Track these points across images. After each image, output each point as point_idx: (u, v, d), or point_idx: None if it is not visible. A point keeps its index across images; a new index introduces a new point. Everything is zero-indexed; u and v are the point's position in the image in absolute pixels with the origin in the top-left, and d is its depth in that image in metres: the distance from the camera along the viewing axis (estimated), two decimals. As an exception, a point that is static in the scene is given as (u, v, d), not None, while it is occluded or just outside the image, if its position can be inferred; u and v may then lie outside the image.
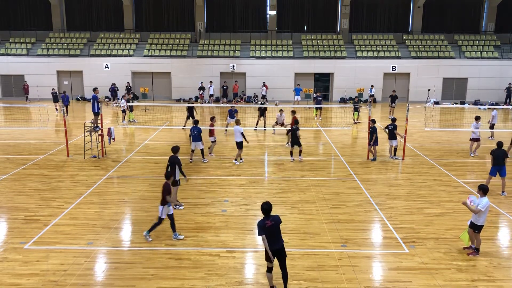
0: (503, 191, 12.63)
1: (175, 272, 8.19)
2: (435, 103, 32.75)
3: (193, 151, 15.80)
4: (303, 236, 9.73)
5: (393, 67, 35.07)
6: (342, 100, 34.63)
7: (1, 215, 10.89)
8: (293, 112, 18.44)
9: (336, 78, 35.28)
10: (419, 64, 35.13)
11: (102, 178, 13.90)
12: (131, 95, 30.46)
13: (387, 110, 28.89)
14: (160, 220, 9.40)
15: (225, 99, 33.10)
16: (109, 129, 17.13)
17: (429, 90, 33.96)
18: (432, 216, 10.98)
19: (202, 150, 15.75)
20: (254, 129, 22.01)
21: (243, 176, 14.19)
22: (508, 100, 33.44)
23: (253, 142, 19.26)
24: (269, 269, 7.46)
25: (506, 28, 37.86)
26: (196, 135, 15.43)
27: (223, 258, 8.70)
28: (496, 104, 33.05)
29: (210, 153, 16.70)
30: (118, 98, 31.13)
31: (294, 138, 15.90)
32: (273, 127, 21.28)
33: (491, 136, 20.43)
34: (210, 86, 32.50)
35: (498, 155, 12.60)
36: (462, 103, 33.92)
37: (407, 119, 16.63)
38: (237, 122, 16.11)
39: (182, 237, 9.52)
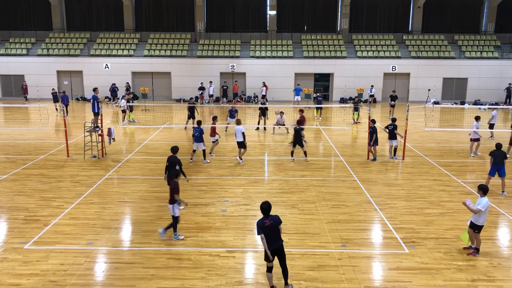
0: (503, 191, 12.63)
1: (175, 272, 8.19)
2: (435, 103, 32.76)
3: (194, 151, 15.82)
4: (303, 236, 9.73)
5: (393, 67, 35.08)
6: (342, 100, 34.64)
7: (1, 215, 10.89)
8: (301, 111, 18.89)
9: (336, 78, 35.28)
10: (419, 64, 35.13)
11: (102, 178, 13.90)
12: (131, 95, 30.45)
13: (387, 110, 28.90)
14: (176, 219, 9.45)
15: (225, 99, 33.10)
16: (109, 129, 17.13)
17: (429, 90, 33.97)
18: (432, 216, 10.98)
19: (204, 150, 15.78)
20: (256, 129, 22.11)
21: (243, 176, 14.19)
22: (508, 100, 33.44)
23: (253, 142, 19.26)
24: (269, 269, 7.47)
25: (506, 28, 37.86)
26: (198, 136, 15.45)
27: (223, 258, 8.70)
28: (496, 104, 33.05)
29: (210, 153, 16.70)
30: (118, 98, 31.14)
31: (297, 138, 15.90)
32: (273, 128, 21.39)
33: (491, 136, 20.44)
34: (210, 86, 32.49)
35: (498, 156, 12.61)
36: (462, 103, 33.92)
37: (407, 119, 16.63)
38: (238, 122, 16.12)
39: (182, 237, 9.53)
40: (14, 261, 8.52)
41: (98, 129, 16.76)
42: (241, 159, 15.89)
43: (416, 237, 9.71)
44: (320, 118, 26.42)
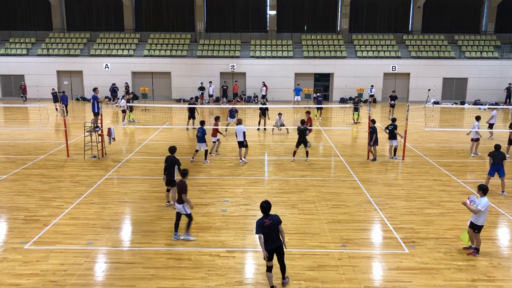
0: (503, 191, 12.64)
1: (175, 272, 8.19)
2: (435, 103, 32.76)
3: (197, 151, 15.85)
4: (303, 236, 9.73)
5: (393, 67, 35.07)
6: (342, 100, 34.63)
7: (1, 215, 10.89)
8: (308, 112, 19.10)
9: (336, 78, 35.28)
10: (419, 64, 35.13)
11: (102, 178, 13.90)
12: (131, 95, 30.46)
13: (387, 110, 28.89)
14: (190, 216, 9.43)
15: (225, 99, 33.07)
16: (109, 129, 17.13)
17: (429, 90, 33.96)
18: (432, 216, 10.98)
19: (206, 151, 15.83)
20: (258, 129, 22.15)
21: (243, 176, 14.19)
22: (508, 100, 33.44)
23: (253, 142, 19.26)
24: (269, 269, 7.47)
25: (506, 28, 37.86)
26: (200, 136, 15.48)
27: (223, 258, 8.70)
28: (496, 104, 33.05)
29: (210, 153, 16.71)
30: (118, 98, 31.13)
31: (301, 137, 15.89)
32: (272, 129, 21.45)
33: (491, 136, 20.45)
34: (210, 86, 32.48)
35: (497, 157, 12.63)
36: (462, 103, 33.92)
37: (407, 119, 16.63)
38: (239, 122, 16.13)
39: (182, 237, 9.52)
40: (14, 261, 8.52)
41: (98, 129, 16.76)
42: (245, 158, 15.89)
43: (416, 237, 9.71)
44: (320, 118, 26.42)
